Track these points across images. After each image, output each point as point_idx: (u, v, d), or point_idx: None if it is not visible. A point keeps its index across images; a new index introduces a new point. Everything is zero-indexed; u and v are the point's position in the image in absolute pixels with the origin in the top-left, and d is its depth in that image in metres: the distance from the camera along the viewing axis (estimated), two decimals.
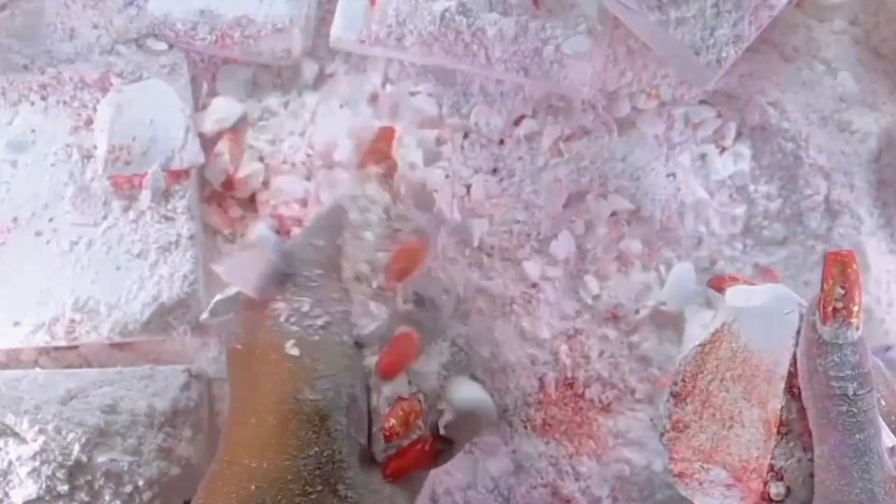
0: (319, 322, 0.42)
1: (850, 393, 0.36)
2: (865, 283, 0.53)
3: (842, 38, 0.57)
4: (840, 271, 0.37)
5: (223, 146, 0.55)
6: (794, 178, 0.55)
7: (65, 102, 0.55)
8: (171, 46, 0.56)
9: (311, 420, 0.39)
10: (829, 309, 0.37)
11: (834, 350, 0.36)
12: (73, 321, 0.52)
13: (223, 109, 0.56)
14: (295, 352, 0.41)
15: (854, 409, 0.35)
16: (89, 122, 0.54)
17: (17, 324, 0.52)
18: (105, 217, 0.53)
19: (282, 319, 0.42)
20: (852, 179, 0.55)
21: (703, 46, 0.50)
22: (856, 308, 0.37)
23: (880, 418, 0.37)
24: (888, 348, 0.52)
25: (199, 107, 0.56)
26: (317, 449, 0.39)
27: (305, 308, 0.42)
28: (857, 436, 0.35)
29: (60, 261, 0.52)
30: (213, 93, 0.57)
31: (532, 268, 0.54)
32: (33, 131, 0.54)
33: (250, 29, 0.55)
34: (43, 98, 0.55)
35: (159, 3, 0.55)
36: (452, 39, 0.53)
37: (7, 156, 0.54)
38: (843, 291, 0.37)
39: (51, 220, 0.53)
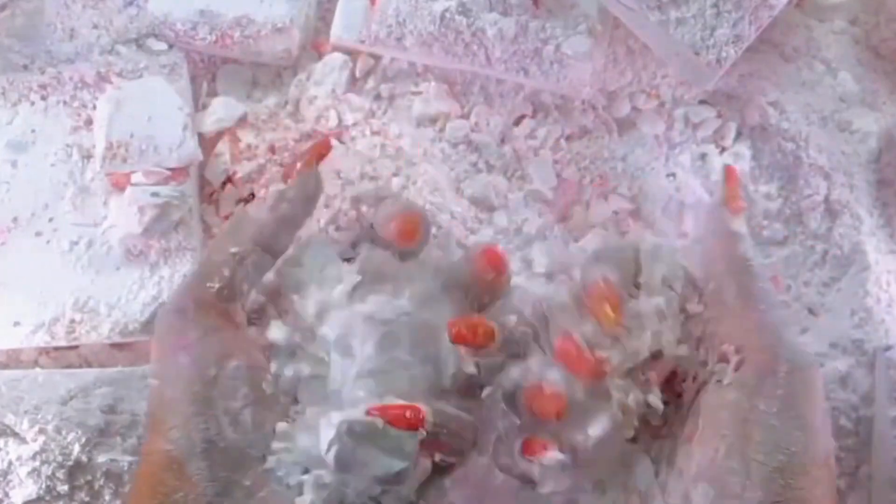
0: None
1: (760, 271, 0.41)
2: (865, 282, 0.54)
3: (842, 38, 0.57)
4: (739, 179, 0.45)
5: (223, 146, 0.55)
6: (793, 178, 0.55)
7: (65, 102, 0.55)
8: (170, 46, 0.57)
9: (171, 468, 0.41)
10: (738, 204, 0.43)
11: (744, 239, 0.42)
12: (73, 321, 0.52)
13: (223, 109, 0.56)
14: (149, 405, 0.43)
15: (767, 286, 0.41)
16: (89, 121, 0.55)
17: (17, 324, 0.52)
18: (105, 217, 0.54)
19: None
20: (852, 179, 0.55)
21: (703, 46, 0.51)
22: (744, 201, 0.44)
23: None
24: (888, 348, 0.52)
25: (198, 106, 0.57)
26: (181, 493, 0.40)
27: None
28: (780, 311, 0.41)
29: (60, 261, 0.53)
30: (213, 92, 0.57)
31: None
32: (33, 131, 0.55)
33: (250, 29, 0.55)
34: (43, 98, 0.55)
35: (159, 3, 0.56)
36: (452, 39, 0.54)
37: (7, 156, 0.54)
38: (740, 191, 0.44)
39: (51, 219, 0.54)
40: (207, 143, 0.56)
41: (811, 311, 0.54)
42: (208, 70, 0.58)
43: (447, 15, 0.54)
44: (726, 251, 0.41)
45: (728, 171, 0.44)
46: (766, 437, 0.37)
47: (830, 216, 0.55)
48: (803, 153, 0.55)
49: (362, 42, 0.56)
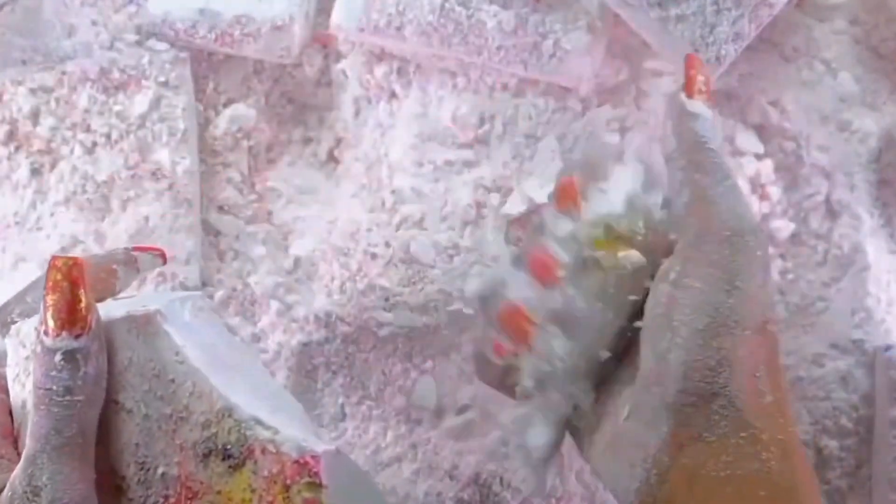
0: None
1: (712, 146, 0.40)
2: (865, 282, 0.54)
3: (842, 37, 0.58)
4: (700, 66, 0.43)
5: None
6: (795, 177, 0.55)
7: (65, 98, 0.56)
8: (170, 45, 0.57)
9: None
10: (695, 88, 0.42)
11: (699, 118, 0.41)
12: None
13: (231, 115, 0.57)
14: None
15: (719, 160, 0.40)
16: None
17: None
18: (107, 215, 0.54)
19: None
20: (853, 179, 0.55)
21: (702, 44, 0.51)
22: (707, 85, 0.43)
23: None
24: (888, 348, 0.52)
25: (204, 105, 0.57)
26: None
27: None
28: (727, 178, 0.40)
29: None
30: (217, 90, 0.58)
31: None
32: None
33: (250, 27, 0.56)
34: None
35: (159, 2, 0.56)
36: (451, 30, 0.54)
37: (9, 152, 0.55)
38: (703, 78, 0.42)
39: (52, 215, 0.54)
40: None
41: (813, 311, 0.54)
42: (210, 66, 0.58)
43: (447, 6, 0.54)
44: (681, 129, 0.41)
45: (688, 59, 0.43)
46: (692, 300, 0.37)
47: (831, 216, 0.55)
48: (804, 153, 0.55)
49: (361, 31, 0.56)
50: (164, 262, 0.45)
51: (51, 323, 0.36)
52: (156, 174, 0.55)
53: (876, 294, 0.54)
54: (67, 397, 0.35)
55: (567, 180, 0.42)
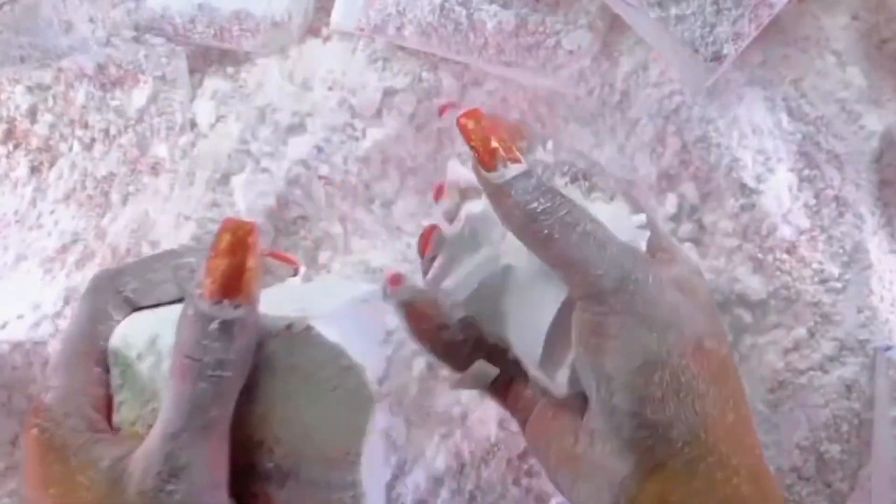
0: None
1: (541, 208, 0.37)
2: (868, 280, 0.54)
3: (848, 31, 0.58)
4: (476, 124, 0.38)
5: None
6: (810, 165, 0.56)
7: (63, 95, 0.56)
8: (168, 40, 0.58)
9: None
10: (487, 157, 0.38)
11: (508, 186, 0.37)
12: None
13: None
14: None
15: (557, 215, 0.37)
16: None
17: (20, 317, 0.53)
18: (107, 211, 0.55)
19: None
20: (859, 177, 0.56)
21: (702, 44, 0.51)
22: (505, 144, 0.38)
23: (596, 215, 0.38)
24: (888, 348, 0.53)
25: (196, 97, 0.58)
26: None
27: None
28: (575, 232, 0.37)
29: (62, 253, 0.54)
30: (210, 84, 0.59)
31: None
32: None
33: (248, 23, 0.56)
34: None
35: None
36: (451, 30, 0.55)
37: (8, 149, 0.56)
38: (494, 140, 0.38)
39: (52, 212, 0.55)
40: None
41: (819, 308, 0.55)
42: (206, 62, 0.59)
43: (447, 5, 0.55)
44: (498, 208, 0.38)
45: (460, 127, 0.38)
46: (617, 348, 0.36)
47: (839, 213, 0.56)
48: (822, 139, 0.56)
49: (361, 30, 0.56)
50: (296, 274, 0.43)
51: (212, 288, 0.33)
52: (155, 168, 0.56)
53: (879, 293, 0.55)
54: (218, 372, 0.33)
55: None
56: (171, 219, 0.56)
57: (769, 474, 0.37)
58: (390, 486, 0.53)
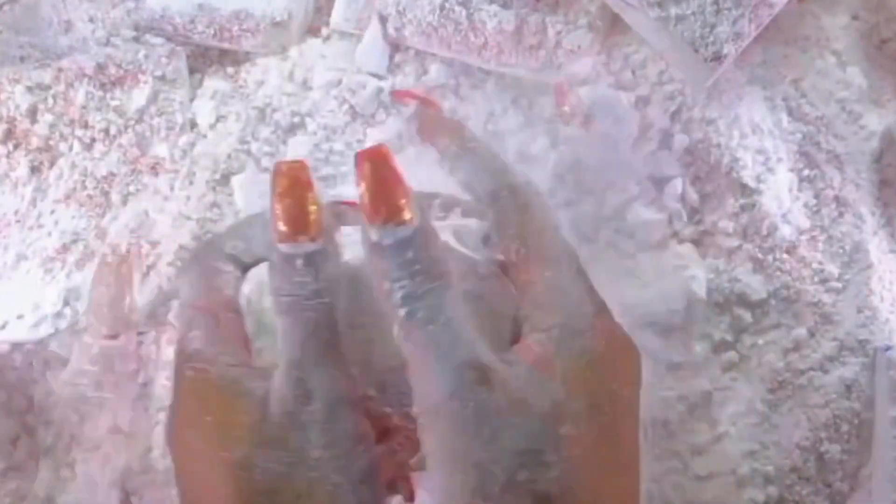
0: None
1: (404, 292, 0.34)
2: (868, 280, 0.54)
3: (848, 32, 0.58)
4: (372, 169, 0.35)
5: None
6: (810, 165, 0.56)
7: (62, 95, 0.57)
8: (168, 40, 0.58)
9: None
10: (372, 211, 0.35)
11: (387, 252, 0.35)
12: (76, 312, 0.54)
13: None
14: None
15: (420, 305, 0.34)
16: None
17: (20, 317, 0.53)
18: (107, 211, 0.55)
19: None
20: (859, 177, 0.56)
21: (702, 44, 0.51)
22: (402, 201, 0.35)
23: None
24: (889, 348, 0.53)
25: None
26: None
27: None
28: (425, 330, 0.34)
29: (62, 253, 0.54)
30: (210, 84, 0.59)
31: None
32: None
33: (248, 22, 0.56)
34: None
35: None
36: (451, 30, 0.55)
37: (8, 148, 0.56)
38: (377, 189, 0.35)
39: (52, 212, 0.55)
40: None
41: (819, 308, 0.55)
42: (206, 62, 0.59)
43: (447, 5, 0.55)
44: (375, 271, 0.36)
45: (359, 161, 0.35)
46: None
47: (839, 213, 0.56)
48: (822, 138, 0.56)
49: (361, 31, 0.57)
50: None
51: (284, 229, 0.35)
52: (155, 168, 0.56)
53: (880, 293, 0.55)
54: (316, 300, 0.36)
55: None
56: (171, 219, 0.56)
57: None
58: None
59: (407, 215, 0.35)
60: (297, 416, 0.35)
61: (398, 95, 0.49)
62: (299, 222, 0.35)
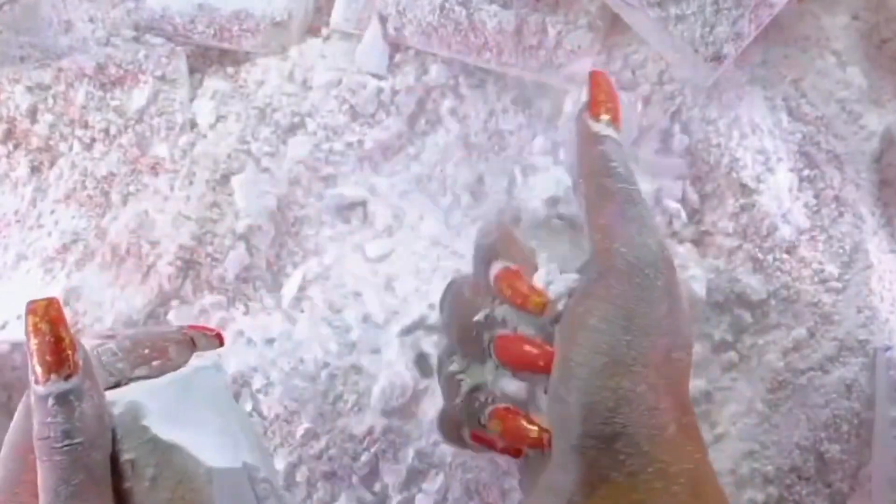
0: None
1: (620, 170, 0.40)
2: (868, 280, 0.55)
3: (848, 32, 0.58)
4: (605, 83, 0.43)
5: None
6: (810, 165, 0.56)
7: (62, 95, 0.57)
8: (168, 40, 0.58)
9: None
10: (601, 108, 0.42)
11: (606, 140, 0.41)
12: (76, 312, 0.54)
13: None
14: None
15: (626, 185, 0.39)
16: None
17: (20, 317, 0.53)
18: (107, 211, 0.55)
19: None
20: (859, 177, 0.56)
21: (702, 44, 0.52)
22: (615, 110, 0.42)
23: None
24: (889, 348, 0.53)
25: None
26: None
27: None
28: (633, 208, 0.39)
29: (62, 253, 0.55)
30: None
31: None
32: None
33: (248, 22, 0.57)
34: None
35: None
36: (451, 30, 0.55)
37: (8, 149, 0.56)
38: (607, 97, 0.42)
39: (52, 212, 0.55)
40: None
41: (819, 308, 0.55)
42: (206, 62, 0.59)
43: (447, 5, 0.55)
44: (586, 152, 0.41)
45: (593, 76, 0.42)
46: (589, 340, 0.37)
47: (839, 213, 0.56)
48: (822, 138, 0.56)
49: (361, 31, 0.57)
50: (221, 344, 0.44)
51: (38, 369, 0.35)
52: (155, 168, 0.57)
53: (880, 293, 0.55)
54: (66, 441, 0.34)
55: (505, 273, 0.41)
56: (171, 219, 0.56)
57: (710, 478, 0.38)
58: None
59: (618, 122, 0.41)
60: None
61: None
62: (52, 361, 0.35)
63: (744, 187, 0.55)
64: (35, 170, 0.56)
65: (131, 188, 0.57)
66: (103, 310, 0.54)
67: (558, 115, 0.57)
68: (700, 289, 0.54)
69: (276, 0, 0.57)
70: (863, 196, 0.56)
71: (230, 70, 0.59)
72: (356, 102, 0.57)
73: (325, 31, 0.59)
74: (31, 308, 0.35)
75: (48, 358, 0.34)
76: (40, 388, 0.34)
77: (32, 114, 0.56)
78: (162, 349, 0.41)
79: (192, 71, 0.59)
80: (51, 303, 0.35)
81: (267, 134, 0.58)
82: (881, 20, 0.58)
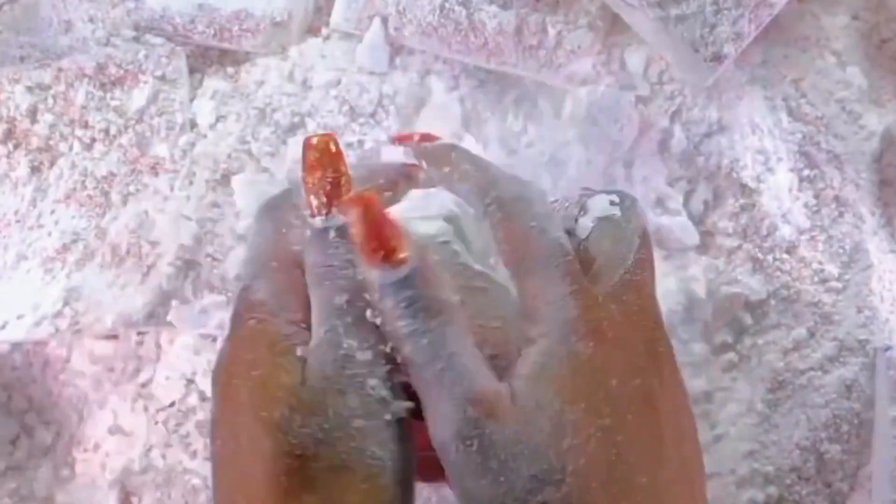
0: None
1: (412, 329, 0.35)
2: (868, 280, 0.55)
3: (848, 31, 0.58)
4: (363, 213, 0.36)
5: None
6: (810, 165, 0.56)
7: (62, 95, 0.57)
8: (168, 40, 0.58)
9: None
10: (370, 252, 0.36)
11: (387, 292, 0.36)
12: (76, 312, 0.54)
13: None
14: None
15: (423, 343, 0.35)
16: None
17: (20, 316, 0.54)
18: (107, 211, 0.56)
19: None
20: (859, 177, 0.56)
21: (702, 44, 0.52)
22: (394, 242, 0.36)
23: None
24: (889, 348, 0.53)
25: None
26: None
27: None
28: (433, 365, 0.35)
29: (62, 253, 0.55)
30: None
31: None
32: None
33: (249, 22, 0.57)
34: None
35: None
36: (451, 30, 0.55)
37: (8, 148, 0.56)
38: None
39: (52, 212, 0.55)
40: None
41: (819, 308, 0.55)
42: (206, 62, 0.60)
43: (447, 5, 0.55)
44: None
45: (344, 206, 0.37)
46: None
47: (839, 213, 0.56)
48: (822, 138, 0.56)
49: (361, 31, 0.57)
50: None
51: (316, 203, 0.36)
52: (155, 168, 0.57)
53: (880, 293, 0.55)
54: (350, 269, 0.36)
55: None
56: (171, 219, 0.56)
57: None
58: None
59: (402, 255, 0.35)
60: (335, 381, 0.35)
61: (399, 140, 0.49)
62: (331, 194, 0.36)
63: (744, 187, 0.55)
64: (35, 170, 0.56)
65: (131, 188, 0.56)
66: (103, 310, 0.54)
67: (558, 114, 0.57)
68: (700, 289, 0.54)
69: (276, 0, 0.57)
70: (863, 196, 0.56)
71: (230, 70, 0.59)
72: (356, 102, 0.58)
73: (325, 31, 0.59)
74: (311, 143, 0.37)
75: (328, 192, 0.36)
76: (320, 221, 0.36)
77: (32, 114, 0.56)
78: (394, 181, 0.42)
79: (192, 71, 0.59)
80: (330, 137, 0.37)
81: (267, 134, 0.58)
82: (881, 20, 0.58)
